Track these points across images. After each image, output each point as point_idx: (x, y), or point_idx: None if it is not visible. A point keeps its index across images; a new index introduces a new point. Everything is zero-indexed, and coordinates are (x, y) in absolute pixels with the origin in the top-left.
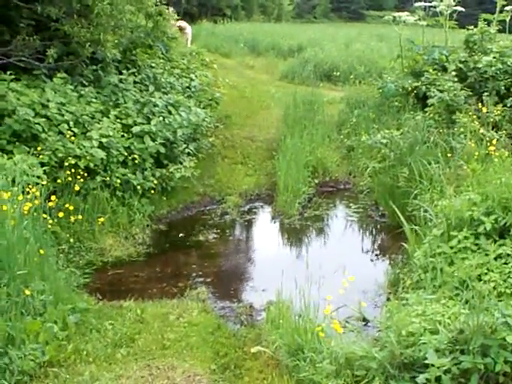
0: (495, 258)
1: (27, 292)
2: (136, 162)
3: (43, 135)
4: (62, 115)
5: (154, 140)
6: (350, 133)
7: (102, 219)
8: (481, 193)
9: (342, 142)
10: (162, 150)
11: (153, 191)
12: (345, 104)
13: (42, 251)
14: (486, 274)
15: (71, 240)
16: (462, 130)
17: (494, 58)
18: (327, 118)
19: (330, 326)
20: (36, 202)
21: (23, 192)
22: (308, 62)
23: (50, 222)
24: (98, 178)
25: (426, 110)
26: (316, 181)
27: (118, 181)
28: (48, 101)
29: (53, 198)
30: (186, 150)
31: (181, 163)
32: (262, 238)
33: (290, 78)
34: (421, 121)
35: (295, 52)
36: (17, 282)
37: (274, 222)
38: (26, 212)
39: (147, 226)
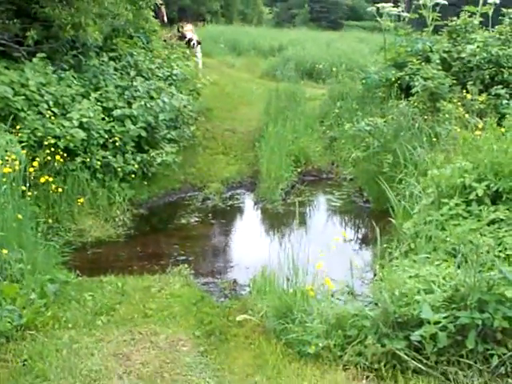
0: (488, 224)
1: (4, 251)
2: (117, 144)
3: (22, 114)
4: (42, 95)
5: (134, 124)
6: (333, 124)
7: (81, 200)
8: (472, 160)
9: (324, 133)
10: (144, 133)
11: (133, 175)
12: (327, 96)
13: (20, 216)
14: (479, 238)
15: (50, 220)
16: (446, 116)
17: (478, 47)
18: (309, 111)
19: (319, 286)
20: (16, 167)
21: (1, 158)
22: (289, 60)
23: (29, 194)
24: (78, 159)
25: (410, 98)
26: (299, 170)
27: (99, 163)
28: (27, 80)
29: (34, 163)
30: (168, 136)
31: (162, 149)
32: (244, 221)
33: (271, 75)
34: (405, 108)
35: (276, 51)
36: None
37: (257, 207)
38: (4, 175)
39: (127, 209)
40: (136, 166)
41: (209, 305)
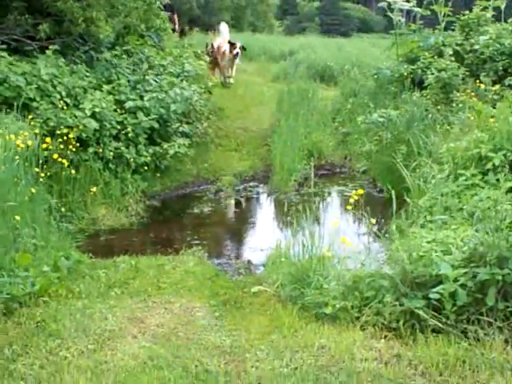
0: (506, 192)
1: (17, 217)
2: (129, 136)
3: (35, 104)
4: (54, 86)
5: (147, 116)
6: (345, 120)
7: (94, 189)
8: (488, 130)
9: (336, 128)
10: (156, 125)
11: (146, 168)
12: (339, 93)
13: (33, 190)
14: (496, 206)
15: (62, 209)
16: (460, 105)
17: (491, 38)
18: (322, 107)
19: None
20: (29, 142)
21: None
22: (300, 63)
23: (42, 175)
24: (91, 150)
25: (423, 92)
26: (312, 163)
27: (111, 154)
28: (40, 71)
29: (47, 140)
30: (180, 129)
31: (174, 142)
32: (258, 209)
33: (283, 78)
34: (418, 100)
35: (287, 56)
36: (8, 215)
37: (270, 198)
38: (16, 152)
39: (140, 200)
40: (148, 158)
41: (223, 280)
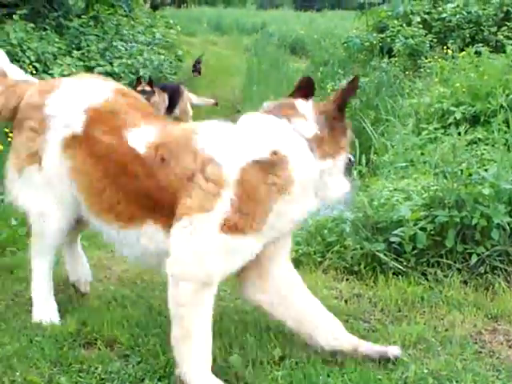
0: (467, 144)
1: None
2: None
3: None
4: (24, 51)
5: (117, 81)
6: (316, 88)
7: None
8: (450, 85)
9: None
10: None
11: None
12: (310, 62)
13: (1, 147)
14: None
15: None
16: (428, 71)
17: (458, 6)
18: (292, 76)
19: None
20: None
21: None
22: (272, 35)
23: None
24: None
25: (392, 59)
26: None
27: None
28: (8, 35)
29: None
30: None
31: None
32: None
33: (254, 50)
34: (387, 67)
35: (259, 29)
36: None
37: None
38: None
39: None
40: None
41: None
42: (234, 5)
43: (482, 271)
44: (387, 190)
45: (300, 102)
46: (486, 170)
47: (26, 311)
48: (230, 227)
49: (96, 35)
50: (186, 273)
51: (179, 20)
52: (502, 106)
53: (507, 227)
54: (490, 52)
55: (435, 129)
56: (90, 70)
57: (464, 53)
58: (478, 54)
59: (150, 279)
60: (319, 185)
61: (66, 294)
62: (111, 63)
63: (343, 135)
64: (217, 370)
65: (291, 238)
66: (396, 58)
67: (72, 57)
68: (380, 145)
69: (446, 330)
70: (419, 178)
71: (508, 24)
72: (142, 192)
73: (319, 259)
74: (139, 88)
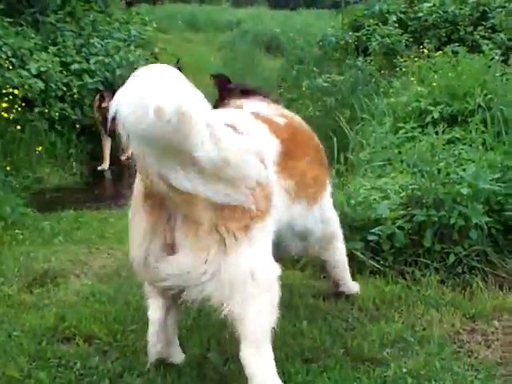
0: (444, 144)
1: None
2: (75, 97)
3: None
4: (0, 47)
5: (92, 78)
6: (291, 86)
7: (39, 148)
8: (427, 85)
9: (281, 95)
10: (101, 87)
11: (93, 129)
12: (285, 61)
13: None
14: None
15: (8, 168)
16: (404, 70)
17: (434, 5)
18: (267, 74)
19: None
20: None
21: None
22: (247, 33)
23: None
24: (36, 110)
25: (367, 58)
26: None
27: (57, 114)
28: None
29: None
30: None
31: None
32: None
33: (229, 48)
34: (362, 65)
35: (234, 26)
36: None
37: None
38: None
39: (86, 161)
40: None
41: None
42: (209, 2)
43: (460, 271)
44: (365, 189)
45: None
46: (464, 170)
47: (4, 306)
48: None
49: (72, 31)
50: None
51: (154, 17)
52: (479, 106)
53: (485, 227)
54: (467, 52)
55: (412, 128)
56: (65, 65)
57: (440, 52)
58: (454, 53)
59: (127, 275)
60: None
61: (44, 288)
62: (88, 60)
63: None
64: (195, 366)
65: None
66: (372, 57)
67: (48, 53)
68: (356, 143)
69: (424, 330)
70: (397, 176)
71: (484, 24)
72: None
73: (296, 257)
74: (104, 105)
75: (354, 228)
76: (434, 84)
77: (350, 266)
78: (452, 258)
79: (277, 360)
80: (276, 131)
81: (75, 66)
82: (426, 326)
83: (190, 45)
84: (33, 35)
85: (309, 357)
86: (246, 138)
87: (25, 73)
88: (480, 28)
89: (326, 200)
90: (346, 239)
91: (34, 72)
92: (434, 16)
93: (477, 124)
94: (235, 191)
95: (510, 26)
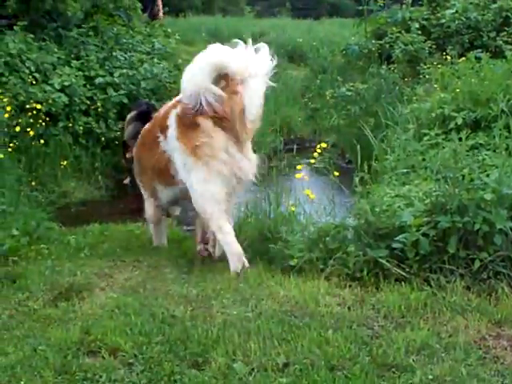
0: (468, 150)
1: None
2: (99, 111)
3: (3, 79)
4: (23, 62)
5: (116, 91)
6: (315, 96)
7: (64, 162)
8: (451, 91)
9: (306, 104)
10: (126, 100)
11: (117, 143)
12: (308, 70)
13: (1, 155)
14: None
15: (33, 183)
16: (427, 77)
17: (457, 11)
18: (291, 84)
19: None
20: None
21: None
22: (270, 43)
23: (11, 145)
24: (60, 124)
25: (391, 66)
26: (281, 138)
27: (81, 128)
28: (8, 46)
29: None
30: None
31: None
32: None
33: None
34: (386, 73)
35: (257, 37)
36: None
37: None
38: None
39: (111, 175)
40: (119, 133)
41: (192, 243)
42: (232, 13)
43: (485, 277)
44: (389, 196)
45: None
46: (487, 176)
47: (29, 320)
48: None
49: (95, 45)
50: None
51: (178, 29)
52: (502, 111)
53: (510, 232)
54: (490, 57)
55: (436, 134)
56: (89, 79)
57: (464, 58)
58: (477, 59)
59: (152, 287)
60: None
61: (69, 302)
62: (111, 73)
63: None
64: (221, 377)
65: None
66: (395, 65)
67: (71, 67)
68: (381, 151)
69: (450, 336)
70: (421, 183)
71: (507, 29)
72: None
73: (322, 266)
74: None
75: (378, 236)
76: (458, 90)
77: (376, 274)
78: (477, 264)
79: (302, 369)
80: None
81: (99, 80)
82: (451, 333)
83: None
84: (56, 50)
85: (334, 365)
86: None
87: (48, 87)
88: (503, 34)
89: None
90: (371, 247)
91: (57, 87)
92: (456, 22)
93: (500, 129)
94: None
95: None
